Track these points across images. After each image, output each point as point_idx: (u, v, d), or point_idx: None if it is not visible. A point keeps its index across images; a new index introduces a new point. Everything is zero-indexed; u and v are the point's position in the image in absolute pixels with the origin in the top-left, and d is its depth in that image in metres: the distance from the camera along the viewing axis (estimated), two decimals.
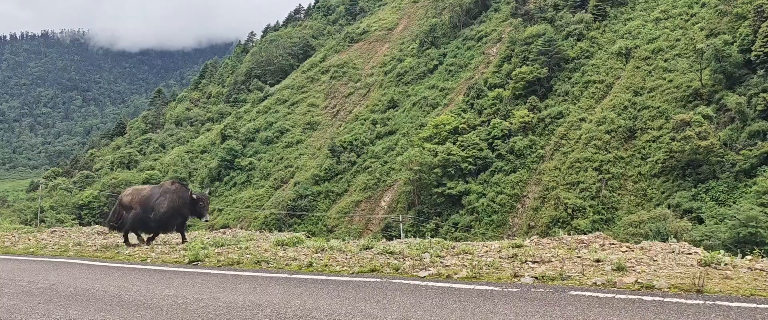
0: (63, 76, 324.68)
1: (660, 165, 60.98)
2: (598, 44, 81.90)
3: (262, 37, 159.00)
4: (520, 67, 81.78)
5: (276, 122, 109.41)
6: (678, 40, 73.92)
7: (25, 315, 7.35)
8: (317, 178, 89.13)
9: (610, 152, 65.71)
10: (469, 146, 75.03)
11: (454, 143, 75.68)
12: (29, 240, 15.96)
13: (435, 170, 72.57)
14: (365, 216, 80.00)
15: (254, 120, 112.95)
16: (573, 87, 77.57)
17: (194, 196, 12.67)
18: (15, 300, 8.25)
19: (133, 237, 13.68)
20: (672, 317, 5.42)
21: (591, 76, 77.19)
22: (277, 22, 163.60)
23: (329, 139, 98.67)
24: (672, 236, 45.69)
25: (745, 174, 53.99)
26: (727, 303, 5.74)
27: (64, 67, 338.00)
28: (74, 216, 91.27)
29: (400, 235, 51.35)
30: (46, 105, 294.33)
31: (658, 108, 66.86)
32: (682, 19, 77.25)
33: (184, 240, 13.09)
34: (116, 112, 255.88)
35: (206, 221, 13.20)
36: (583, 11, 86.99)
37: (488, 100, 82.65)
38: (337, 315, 6.23)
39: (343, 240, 11.54)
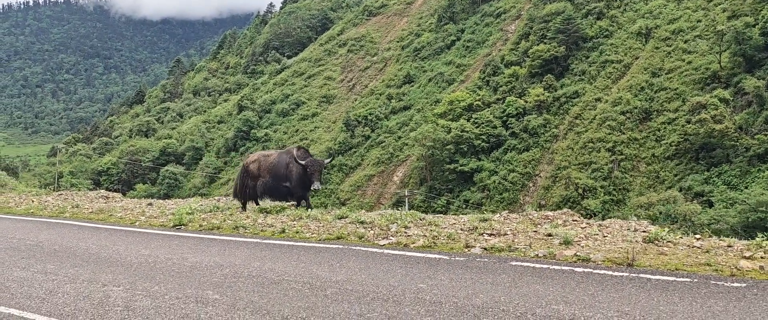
0: (85, 43, 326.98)
1: (674, 147, 60.43)
2: (617, 23, 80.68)
3: (281, 8, 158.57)
4: (538, 44, 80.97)
5: (292, 94, 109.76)
6: (699, 21, 72.57)
7: (6, 267, 7.80)
8: (331, 152, 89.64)
9: (624, 133, 65.19)
10: (482, 123, 74.85)
11: (468, 120, 75.53)
12: (32, 201, 16.50)
13: (448, 146, 72.62)
14: (377, 191, 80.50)
15: (271, 92, 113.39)
16: (590, 66, 76.72)
17: (301, 162, 11.86)
18: (1, 254, 8.70)
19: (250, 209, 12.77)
20: (593, 286, 5.68)
21: (609, 55, 76.23)
22: None
23: (344, 112, 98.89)
24: (681, 219, 45.30)
25: (758, 159, 53.38)
26: (649, 276, 5.98)
27: (86, 34, 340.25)
28: (92, 182, 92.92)
29: (406, 210, 51.69)
30: (68, 71, 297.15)
31: (675, 90, 65.99)
32: None
33: (309, 207, 12.38)
34: (137, 80, 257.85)
35: (316, 190, 11.88)
36: None
37: (504, 78, 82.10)
38: (287, 276, 6.59)
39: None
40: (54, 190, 31.87)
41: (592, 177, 62.29)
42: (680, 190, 54.30)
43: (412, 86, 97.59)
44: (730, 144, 55.57)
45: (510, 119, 74.89)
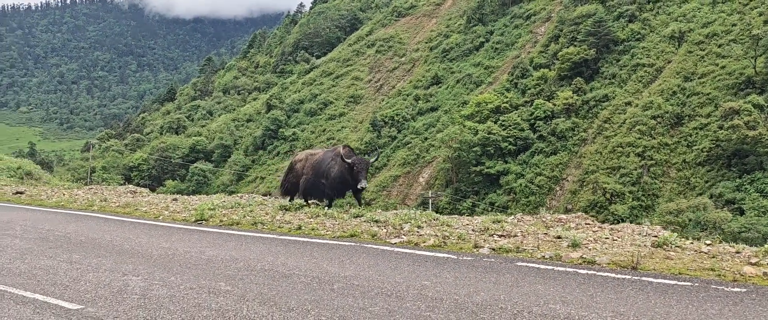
0: (120, 40, 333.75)
1: (705, 153, 59.40)
2: (650, 26, 79.52)
3: (311, 8, 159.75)
4: (568, 47, 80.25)
5: (320, 94, 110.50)
6: (734, 24, 71.17)
7: (35, 256, 8.17)
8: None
9: (654, 138, 64.29)
10: (510, 126, 74.49)
11: (495, 122, 75.24)
12: (63, 195, 17.04)
13: (474, 148, 72.41)
14: (403, 192, 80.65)
15: (299, 91, 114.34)
16: (621, 70, 75.79)
17: (347, 161, 11.53)
18: (31, 244, 9.10)
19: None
20: (593, 288, 5.76)
21: (640, 59, 75.21)
22: None
23: (371, 113, 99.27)
24: (711, 226, 44.47)
25: None
26: (651, 279, 6.03)
27: (120, 32, 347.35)
28: (123, 177, 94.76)
29: (430, 211, 51.78)
30: (102, 68, 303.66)
31: (708, 95, 64.83)
32: (740, 3, 74.19)
33: (360, 204, 12.49)
34: (169, 78, 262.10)
35: (362, 188, 11.52)
36: None
37: (532, 80, 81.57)
38: (297, 270, 6.80)
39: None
40: (85, 185, 32.69)
41: (620, 182, 61.57)
42: (711, 197, 53.34)
43: (440, 87, 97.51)
44: (763, 151, 54.44)
45: (538, 122, 74.39)
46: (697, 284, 5.85)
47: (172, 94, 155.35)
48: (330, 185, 11.95)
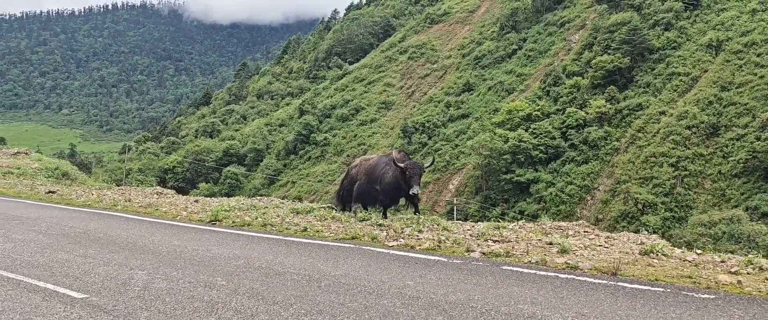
0: (158, 45, 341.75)
1: (741, 165, 58.07)
2: (686, 35, 78.15)
3: (345, 14, 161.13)
4: (601, 55, 79.37)
5: (352, 100, 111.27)
6: None
7: (53, 251, 8.68)
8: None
9: (689, 148, 63.11)
10: (541, 134, 73.94)
11: (526, 130, 74.78)
12: (92, 194, 17.71)
13: (505, 156, 72.07)
14: (432, 198, 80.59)
15: (331, 97, 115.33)
16: (655, 79, 74.60)
17: (400, 165, 10.98)
18: (52, 239, 9.63)
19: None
20: (566, 291, 5.93)
21: (676, 67, 73.93)
22: (361, 0, 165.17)
23: (403, 119, 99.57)
24: (745, 239, 43.43)
25: None
26: (626, 284, 6.17)
27: (159, 37, 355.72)
28: (158, 179, 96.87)
29: (454, 218, 51.84)
30: (141, 73, 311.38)
31: (745, 105, 63.42)
32: None
33: (417, 211, 11.74)
34: (205, 82, 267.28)
35: (413, 194, 10.83)
36: None
37: (565, 88, 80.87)
38: (292, 268, 7.13)
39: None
40: (117, 186, 33.67)
41: (653, 193, 60.58)
42: (746, 210, 52.12)
43: (471, 94, 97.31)
44: None
45: (569, 130, 73.68)
46: (669, 290, 5.97)
47: (207, 98, 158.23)
48: (383, 191, 11.49)
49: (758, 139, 56.28)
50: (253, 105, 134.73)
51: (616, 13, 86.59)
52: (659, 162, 63.34)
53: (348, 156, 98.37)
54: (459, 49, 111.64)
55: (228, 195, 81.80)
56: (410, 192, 10.89)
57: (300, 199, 78.88)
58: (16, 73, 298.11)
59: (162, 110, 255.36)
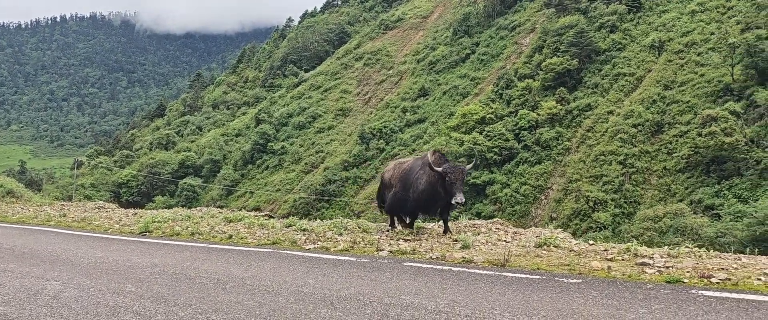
0: (110, 57, 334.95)
1: (685, 160, 60.13)
2: (630, 36, 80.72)
3: (300, 22, 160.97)
4: (551, 57, 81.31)
5: (309, 108, 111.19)
6: (712, 33, 72.34)
7: None
8: (346, 164, 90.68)
9: (635, 146, 65.08)
10: (495, 136, 75.25)
11: (480, 133, 76.02)
12: (28, 211, 17.51)
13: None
14: None
15: (288, 105, 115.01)
16: (603, 79, 76.81)
17: (437, 169, 9.48)
18: None
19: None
20: (449, 282, 6.37)
21: (622, 68, 76.29)
22: (315, 8, 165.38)
23: (360, 125, 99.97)
24: (689, 231, 44.95)
25: None
26: (508, 274, 6.63)
27: (111, 48, 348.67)
28: (112, 194, 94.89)
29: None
30: (93, 85, 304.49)
31: (687, 102, 65.78)
32: (718, 12, 75.49)
33: (446, 227, 10.23)
34: (160, 94, 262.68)
35: (456, 203, 9.07)
36: (618, 2, 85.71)
37: (517, 91, 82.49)
38: (203, 273, 7.39)
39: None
40: (69, 202, 33.06)
41: (603, 190, 62.24)
42: (690, 203, 54.04)
43: (427, 99, 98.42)
44: (740, 157, 55.24)
45: (522, 132, 75.21)
46: (543, 277, 6.44)
47: (161, 109, 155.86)
48: (414, 200, 9.96)
49: (700, 135, 58.31)
50: (208, 115, 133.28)
51: (564, 16, 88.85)
52: (608, 160, 65.11)
53: (306, 164, 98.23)
54: (414, 55, 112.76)
55: (185, 207, 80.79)
56: (453, 201, 9.18)
57: (259, 209, 78.34)
58: None
59: (115, 123, 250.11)
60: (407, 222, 10.84)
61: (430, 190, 9.67)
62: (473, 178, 71.77)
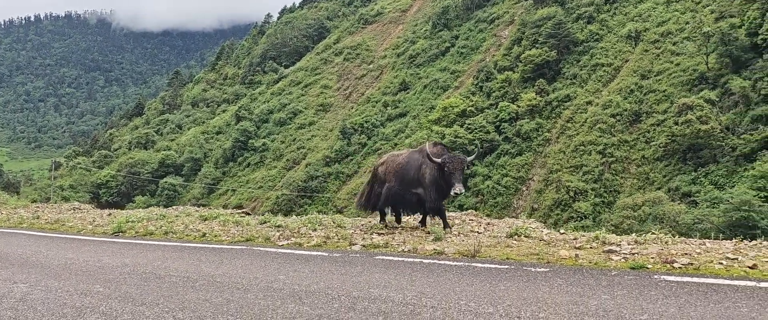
0: (86, 56, 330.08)
1: (662, 149, 60.91)
2: (607, 27, 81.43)
3: (279, 18, 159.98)
4: (530, 49, 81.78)
5: (289, 104, 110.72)
6: (687, 23, 73.23)
7: None
8: (328, 160, 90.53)
9: (614, 135, 65.77)
10: (476, 129, 75.59)
11: (461, 126, 76.29)
12: (1, 214, 17.27)
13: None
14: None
15: (268, 101, 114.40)
16: (581, 70, 77.46)
17: (436, 160, 9.31)
18: None
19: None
20: (419, 273, 6.40)
21: (599, 59, 76.98)
22: (294, 3, 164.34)
23: (341, 120, 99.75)
24: (667, 219, 45.39)
25: (745, 158, 53.73)
26: (478, 264, 6.68)
27: (87, 47, 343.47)
28: (92, 195, 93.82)
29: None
30: (70, 85, 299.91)
31: (664, 91, 66.57)
32: (693, 1, 76.41)
33: (445, 225, 9.58)
34: (138, 93, 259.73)
35: (456, 194, 9.05)
36: None
37: (497, 83, 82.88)
38: (174, 272, 7.35)
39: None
40: (41, 204, 32.68)
41: (583, 180, 62.83)
42: (668, 191, 54.78)
43: (408, 93, 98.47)
44: (716, 144, 56.05)
45: (503, 124, 75.63)
46: (512, 267, 6.50)
47: (140, 108, 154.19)
48: (429, 194, 9.55)
49: (676, 123, 59.05)
50: (188, 113, 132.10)
51: (542, 8, 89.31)
52: (588, 150, 65.73)
53: (287, 160, 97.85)
54: (394, 49, 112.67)
55: (166, 206, 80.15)
56: (451, 192, 9.14)
57: (241, 207, 77.90)
58: None
59: (93, 123, 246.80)
60: (395, 217, 10.68)
61: (436, 184, 9.49)
62: None
